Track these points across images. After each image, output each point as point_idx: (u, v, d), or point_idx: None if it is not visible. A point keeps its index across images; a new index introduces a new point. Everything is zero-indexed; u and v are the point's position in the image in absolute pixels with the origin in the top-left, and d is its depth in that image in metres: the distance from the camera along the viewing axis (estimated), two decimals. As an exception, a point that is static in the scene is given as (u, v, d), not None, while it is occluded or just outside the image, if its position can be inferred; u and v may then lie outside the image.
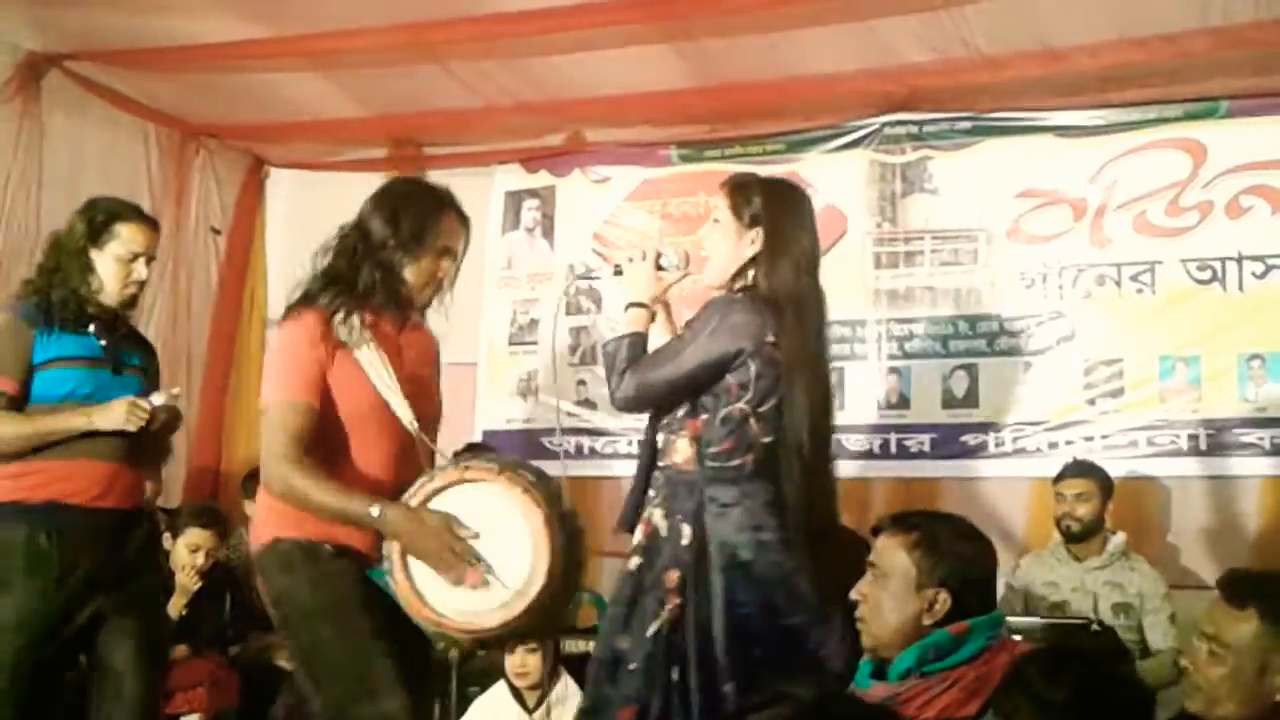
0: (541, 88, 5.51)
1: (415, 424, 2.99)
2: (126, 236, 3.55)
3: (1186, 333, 5.12)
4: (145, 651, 3.53)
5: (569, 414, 5.81)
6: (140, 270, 3.57)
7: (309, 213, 6.42)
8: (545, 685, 4.26)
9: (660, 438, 3.10)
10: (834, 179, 5.68)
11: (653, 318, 3.19)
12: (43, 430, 3.40)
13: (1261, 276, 5.04)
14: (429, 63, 5.25)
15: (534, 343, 6.08)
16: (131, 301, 3.61)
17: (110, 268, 3.53)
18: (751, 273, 3.08)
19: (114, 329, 3.59)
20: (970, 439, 5.36)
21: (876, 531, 2.63)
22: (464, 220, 3.13)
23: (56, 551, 3.38)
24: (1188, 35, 4.62)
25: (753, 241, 3.06)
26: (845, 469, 5.43)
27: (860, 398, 5.55)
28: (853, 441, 5.49)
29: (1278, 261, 5.03)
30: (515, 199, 6.25)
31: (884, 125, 5.61)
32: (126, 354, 3.62)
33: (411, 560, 2.86)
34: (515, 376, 6.12)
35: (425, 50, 5.12)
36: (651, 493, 3.08)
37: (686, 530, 2.92)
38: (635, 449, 3.76)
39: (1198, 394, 5.08)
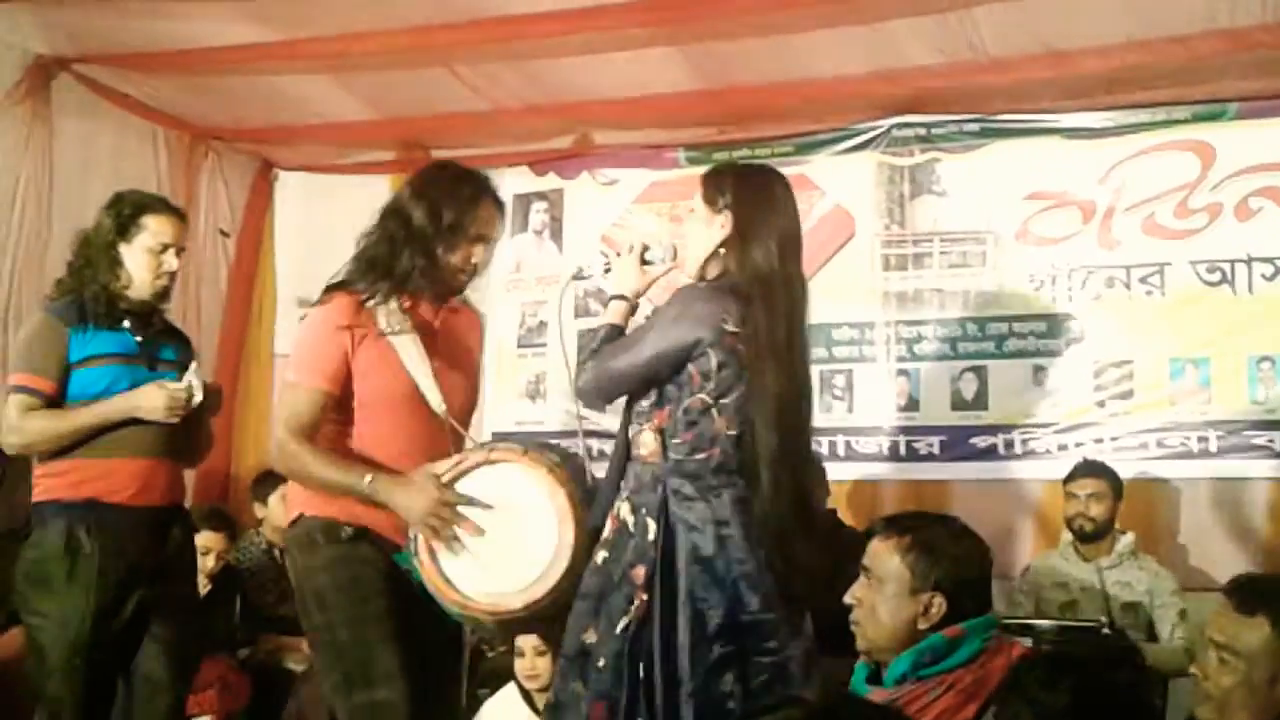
0: (549, 90, 5.51)
1: (444, 407, 3.05)
2: (155, 228, 3.54)
3: (1196, 335, 5.12)
4: (178, 662, 3.54)
5: (580, 416, 5.87)
6: (170, 261, 3.56)
7: (317, 215, 6.46)
8: (555, 687, 4.26)
9: (631, 430, 3.05)
10: (842, 181, 5.69)
11: (633, 310, 3.14)
12: (80, 424, 3.40)
13: (1271, 278, 5.04)
14: (437, 66, 5.26)
15: (543, 345, 6.08)
16: (164, 294, 3.60)
17: (140, 261, 3.52)
18: (720, 261, 3.02)
19: (149, 323, 3.59)
20: (979, 441, 5.36)
21: (870, 535, 2.61)
22: (499, 206, 3.21)
23: (97, 549, 3.39)
24: (1196, 37, 4.61)
25: (722, 227, 2.99)
26: (854, 471, 5.49)
27: (869, 400, 5.55)
28: (862, 444, 5.50)
29: (1288, 263, 5.03)
30: (523, 201, 6.25)
31: (892, 127, 5.61)
32: (162, 348, 3.62)
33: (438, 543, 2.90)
34: (524, 379, 6.13)
35: (433, 53, 5.13)
36: (623, 487, 3.01)
37: (651, 525, 2.86)
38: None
39: (1207, 396, 5.08)
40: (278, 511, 5.12)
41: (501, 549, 2.93)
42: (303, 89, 5.63)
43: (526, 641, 4.12)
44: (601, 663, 2.86)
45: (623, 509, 2.95)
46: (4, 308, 5.16)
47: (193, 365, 3.60)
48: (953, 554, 2.51)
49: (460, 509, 2.92)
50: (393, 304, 3.07)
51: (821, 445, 5.46)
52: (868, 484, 5.48)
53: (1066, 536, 4.79)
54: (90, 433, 3.40)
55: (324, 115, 5.92)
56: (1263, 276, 5.04)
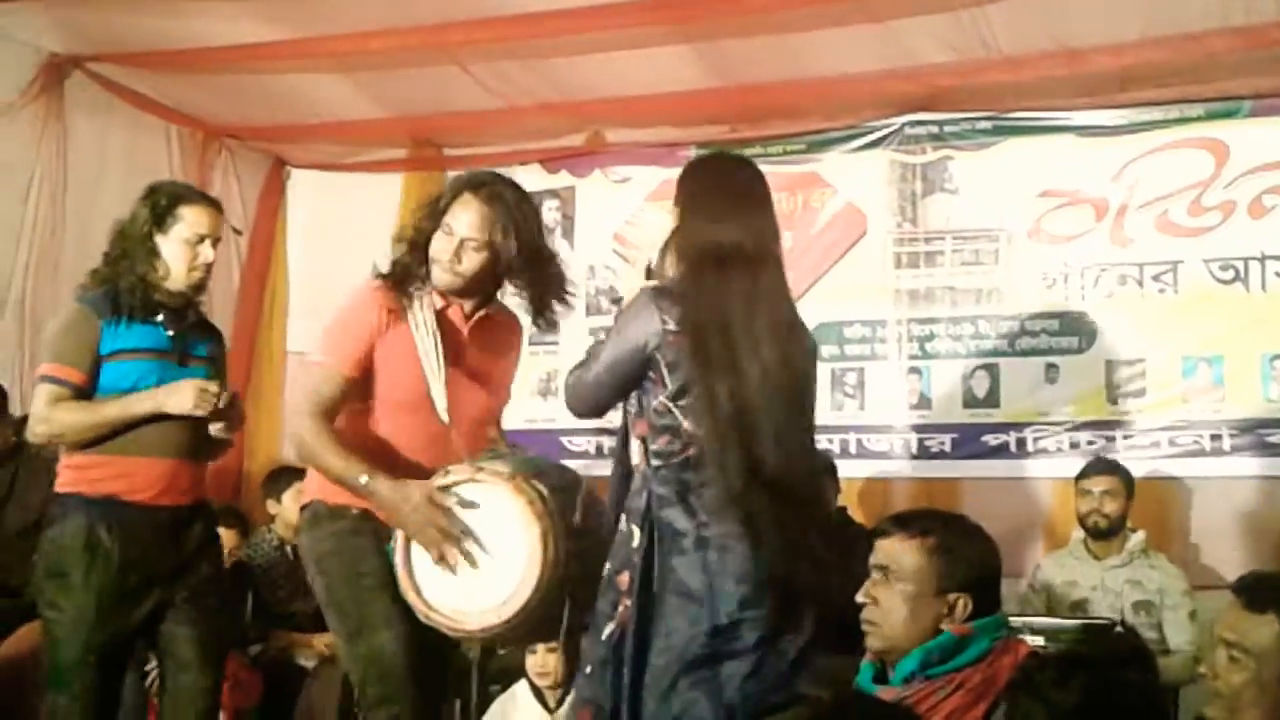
0: (561, 88, 5.52)
1: (447, 415, 3.07)
2: (191, 219, 3.51)
3: (1209, 333, 5.10)
4: (207, 645, 3.53)
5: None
6: (207, 252, 3.52)
7: (330, 213, 6.48)
8: (566, 685, 4.26)
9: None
10: (854, 179, 5.68)
11: None
12: (108, 417, 3.38)
13: (1284, 276, 5.02)
14: (449, 64, 5.26)
15: (554, 343, 6.07)
16: (200, 285, 3.57)
17: (176, 251, 3.49)
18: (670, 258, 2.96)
19: (183, 317, 3.56)
20: (991, 439, 5.36)
21: (879, 533, 2.59)
22: (491, 208, 3.15)
23: (116, 548, 3.38)
24: (1210, 35, 4.60)
25: (674, 223, 2.95)
26: (866, 469, 5.49)
27: (881, 398, 5.55)
28: (873, 441, 5.49)
29: (1301, 261, 5.01)
30: (535, 199, 6.24)
31: (904, 125, 5.61)
32: (194, 343, 3.58)
33: (414, 547, 2.95)
34: (536, 377, 6.12)
35: (445, 51, 5.14)
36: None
37: (637, 532, 2.83)
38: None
39: (1220, 394, 5.07)
40: (290, 509, 5.13)
41: (470, 569, 2.92)
42: (315, 87, 5.65)
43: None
44: (589, 669, 2.86)
45: (622, 518, 2.94)
46: (19, 303, 5.20)
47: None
48: (974, 554, 2.51)
49: (445, 526, 2.93)
50: (425, 300, 3.12)
51: (833, 443, 5.46)
52: (879, 482, 5.47)
53: (1077, 535, 4.78)
54: (118, 426, 3.38)
55: (336, 113, 5.93)
56: (1276, 274, 5.02)
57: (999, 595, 2.57)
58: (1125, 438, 5.16)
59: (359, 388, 3.11)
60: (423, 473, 3.03)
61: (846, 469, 5.17)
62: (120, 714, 3.58)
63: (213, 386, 3.40)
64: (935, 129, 5.57)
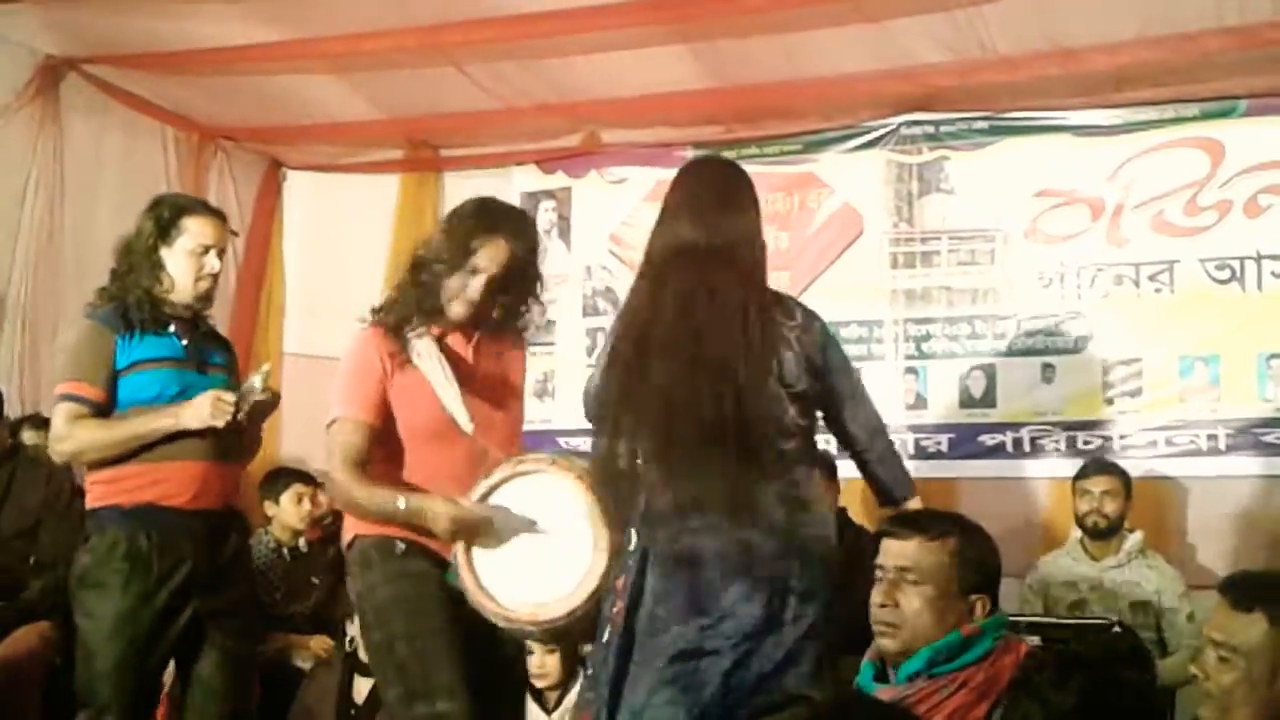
0: (557, 89, 5.51)
1: (471, 426, 3.06)
2: (195, 230, 3.51)
3: (1205, 332, 5.11)
4: (235, 668, 3.51)
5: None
6: (212, 263, 3.53)
7: (326, 215, 6.47)
8: (564, 686, 4.26)
9: None
10: (851, 179, 5.68)
11: None
12: (130, 434, 3.36)
13: (1280, 275, 5.03)
14: (445, 65, 5.26)
15: (551, 344, 6.07)
16: (207, 296, 3.57)
17: (181, 263, 3.49)
18: None
19: (195, 327, 3.56)
20: (988, 439, 5.36)
21: (886, 535, 2.60)
22: (514, 242, 3.13)
23: (156, 554, 3.35)
24: (1205, 34, 4.60)
25: None
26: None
27: (877, 398, 5.52)
28: (869, 441, 5.48)
29: (1297, 260, 5.02)
30: (531, 200, 6.24)
31: (901, 125, 5.60)
32: (209, 352, 3.59)
33: (477, 557, 2.96)
34: (532, 377, 6.10)
35: (441, 52, 5.13)
36: None
37: (633, 536, 2.86)
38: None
39: (1217, 393, 5.07)
40: (287, 510, 5.17)
41: (538, 558, 2.95)
42: (310, 88, 5.64)
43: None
44: (590, 671, 2.89)
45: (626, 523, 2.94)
46: (15, 306, 5.19)
47: (264, 368, 3.54)
48: (987, 555, 2.54)
49: (495, 523, 2.95)
50: (421, 333, 3.10)
51: (831, 443, 5.45)
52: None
53: (1075, 535, 4.78)
54: (139, 444, 3.36)
55: (332, 114, 5.93)
56: (1272, 274, 5.03)
57: (997, 595, 2.58)
58: (1122, 437, 5.16)
59: (382, 435, 3.08)
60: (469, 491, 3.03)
61: (845, 469, 5.16)
62: None
63: (228, 396, 3.37)
64: (931, 129, 5.57)
